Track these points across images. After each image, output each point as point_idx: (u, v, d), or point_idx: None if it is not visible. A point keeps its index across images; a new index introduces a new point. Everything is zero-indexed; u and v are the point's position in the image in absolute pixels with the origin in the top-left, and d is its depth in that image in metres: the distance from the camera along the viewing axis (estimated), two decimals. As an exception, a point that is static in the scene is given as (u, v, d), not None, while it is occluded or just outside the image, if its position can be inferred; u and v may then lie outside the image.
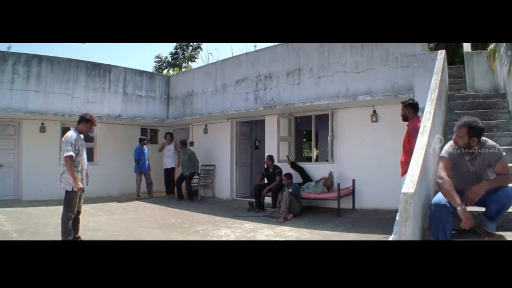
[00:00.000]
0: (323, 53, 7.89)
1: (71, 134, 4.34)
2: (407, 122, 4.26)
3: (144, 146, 9.71)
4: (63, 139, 4.35)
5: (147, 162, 9.66)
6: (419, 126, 3.75)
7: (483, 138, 2.87)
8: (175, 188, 9.70)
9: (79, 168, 4.36)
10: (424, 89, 4.87)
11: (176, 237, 5.22)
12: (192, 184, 9.42)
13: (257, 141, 11.03)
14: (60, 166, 4.34)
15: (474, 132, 2.79)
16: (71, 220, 4.33)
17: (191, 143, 10.75)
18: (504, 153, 2.82)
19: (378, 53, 7.08)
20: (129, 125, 10.69)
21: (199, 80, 10.99)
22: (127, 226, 5.96)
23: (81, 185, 4.28)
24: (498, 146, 2.87)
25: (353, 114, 7.51)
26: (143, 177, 9.67)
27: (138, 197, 9.43)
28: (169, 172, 10.18)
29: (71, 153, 4.20)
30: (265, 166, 8.06)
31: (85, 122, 4.47)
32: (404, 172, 4.03)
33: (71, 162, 4.21)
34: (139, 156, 9.55)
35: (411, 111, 4.21)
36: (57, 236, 4.42)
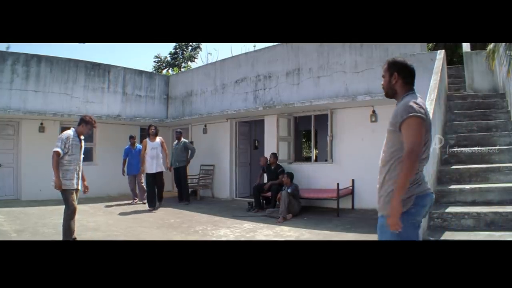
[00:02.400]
0: (323, 53, 7.90)
1: (67, 132, 4.39)
2: None
3: (136, 145, 8.78)
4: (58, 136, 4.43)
5: (138, 162, 8.41)
6: None
7: (414, 97, 2.13)
8: (161, 200, 7.82)
9: (69, 167, 4.34)
10: (423, 89, 4.88)
11: (175, 237, 5.22)
12: (191, 184, 9.37)
13: (256, 141, 11.03)
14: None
15: (394, 66, 2.19)
16: (72, 218, 4.34)
17: (191, 143, 10.73)
18: (421, 115, 1.98)
19: (378, 53, 7.08)
20: (129, 125, 10.67)
21: (198, 80, 10.99)
22: (126, 226, 5.95)
23: (58, 182, 4.22)
24: (419, 105, 2.03)
25: (353, 114, 7.52)
26: (135, 179, 8.71)
27: (134, 201, 8.70)
28: (154, 179, 7.69)
29: (58, 149, 4.23)
30: (267, 163, 8.05)
31: (85, 124, 4.47)
32: None
33: (57, 159, 4.23)
34: (127, 156, 8.70)
35: None
36: (56, 236, 4.42)
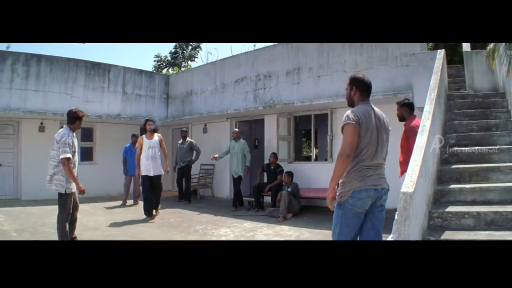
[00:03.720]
0: (323, 53, 7.89)
1: (67, 134, 4.18)
2: (403, 122, 4.27)
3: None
4: (58, 139, 4.14)
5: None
6: (416, 125, 3.83)
7: (363, 104, 2.61)
8: (158, 208, 6.76)
9: (75, 169, 4.25)
10: (423, 89, 4.88)
11: (175, 236, 5.22)
12: (191, 184, 9.36)
13: (256, 141, 11.03)
14: (50, 167, 4.17)
15: (354, 81, 2.71)
16: (67, 222, 4.23)
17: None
18: (353, 123, 2.43)
19: (378, 53, 7.08)
20: (129, 125, 10.67)
21: (198, 79, 10.99)
22: (126, 225, 5.96)
23: (82, 187, 4.22)
24: (354, 113, 2.49)
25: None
26: (132, 180, 8.48)
27: (125, 203, 8.38)
28: (151, 183, 6.42)
29: (69, 155, 4.06)
30: (267, 162, 8.06)
31: (79, 120, 4.36)
32: (403, 171, 4.07)
33: (68, 164, 4.07)
34: (126, 155, 8.45)
35: (407, 110, 4.25)
36: (56, 236, 4.42)
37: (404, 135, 4.20)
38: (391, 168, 5.39)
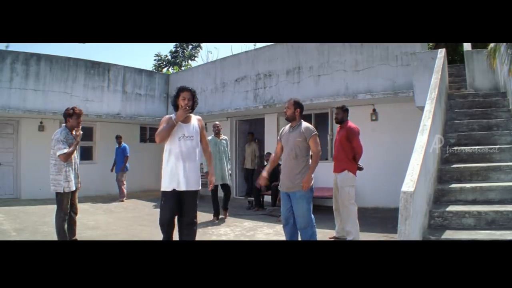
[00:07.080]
0: (323, 52, 7.88)
1: (60, 132, 4.18)
2: (340, 124, 4.86)
3: (123, 144, 9.04)
4: (52, 137, 4.17)
5: (121, 162, 8.92)
6: (356, 127, 4.66)
7: (306, 123, 3.75)
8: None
9: (68, 168, 4.18)
10: (424, 88, 4.87)
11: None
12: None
13: (256, 140, 11.01)
14: (51, 169, 4.15)
15: (297, 105, 3.72)
16: (65, 221, 4.18)
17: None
18: (317, 134, 3.72)
19: (378, 52, 7.06)
20: (128, 124, 10.68)
21: (198, 78, 10.97)
22: (126, 225, 5.96)
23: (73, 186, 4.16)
24: (313, 128, 3.70)
25: (353, 113, 7.44)
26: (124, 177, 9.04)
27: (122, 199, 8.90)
28: (178, 203, 3.34)
29: (65, 150, 4.04)
30: (264, 164, 8.05)
31: (70, 117, 4.28)
32: (343, 169, 4.62)
33: (68, 158, 4.07)
34: (116, 155, 9.03)
35: (346, 115, 4.87)
36: (56, 236, 4.40)
37: (345, 134, 4.71)
38: (392, 168, 5.35)
